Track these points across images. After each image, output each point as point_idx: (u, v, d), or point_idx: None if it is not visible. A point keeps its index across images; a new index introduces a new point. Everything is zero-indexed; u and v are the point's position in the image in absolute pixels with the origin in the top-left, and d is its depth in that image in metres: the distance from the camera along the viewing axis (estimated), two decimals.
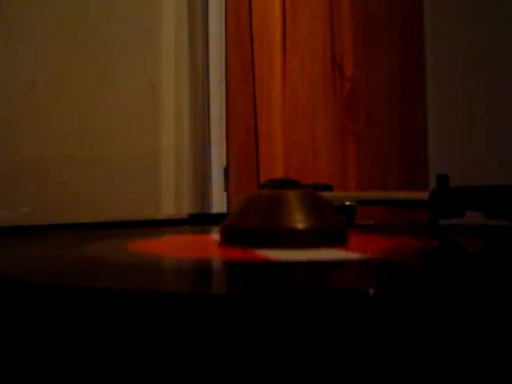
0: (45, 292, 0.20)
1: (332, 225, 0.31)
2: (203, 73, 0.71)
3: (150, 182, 0.67)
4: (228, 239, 0.32)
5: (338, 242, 0.31)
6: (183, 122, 0.69)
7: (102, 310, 0.19)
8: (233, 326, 0.17)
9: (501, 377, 0.18)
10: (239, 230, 0.31)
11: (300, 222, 0.30)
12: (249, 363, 0.17)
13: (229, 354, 0.17)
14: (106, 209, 0.62)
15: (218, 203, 0.70)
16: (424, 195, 0.44)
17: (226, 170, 0.71)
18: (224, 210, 0.70)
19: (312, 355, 0.17)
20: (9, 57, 0.59)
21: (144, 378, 0.18)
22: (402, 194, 0.49)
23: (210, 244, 0.34)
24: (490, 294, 0.19)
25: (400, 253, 0.31)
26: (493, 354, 0.18)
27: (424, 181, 0.83)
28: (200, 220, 0.58)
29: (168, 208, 0.67)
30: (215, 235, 0.33)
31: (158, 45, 0.68)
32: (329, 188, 0.51)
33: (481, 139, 0.80)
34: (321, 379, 0.17)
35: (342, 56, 0.78)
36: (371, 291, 0.18)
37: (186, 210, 0.68)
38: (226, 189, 0.71)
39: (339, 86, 0.78)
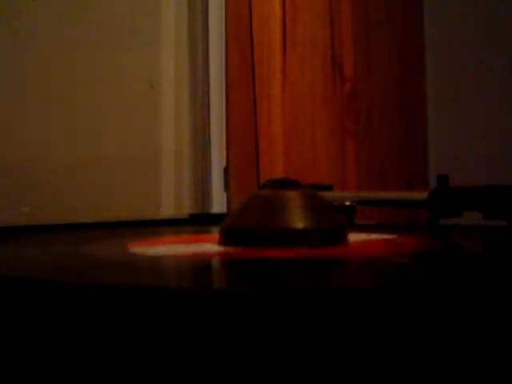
0: (46, 289, 0.20)
1: (332, 225, 0.31)
2: (203, 72, 0.71)
3: (149, 182, 0.67)
4: (228, 239, 0.32)
5: (339, 241, 0.31)
6: (183, 122, 0.69)
7: (102, 307, 0.19)
8: (233, 322, 0.17)
9: (500, 376, 0.18)
10: (239, 230, 0.31)
11: (300, 222, 0.30)
12: (248, 358, 0.17)
13: (229, 349, 0.17)
14: (106, 209, 0.62)
15: (218, 203, 0.70)
16: (424, 195, 0.44)
17: (226, 170, 0.71)
18: (224, 210, 0.70)
19: (311, 352, 0.17)
20: (8, 57, 0.59)
21: (146, 372, 0.18)
22: (402, 194, 0.49)
23: (210, 244, 0.34)
24: (490, 293, 0.19)
25: (400, 252, 0.31)
26: (493, 353, 0.18)
27: (424, 181, 0.83)
28: (200, 220, 0.58)
29: (168, 208, 0.67)
30: (215, 235, 0.33)
31: (157, 44, 0.68)
32: (329, 188, 0.51)
33: (481, 139, 0.80)
34: (320, 376, 0.17)
35: (341, 56, 0.78)
36: (370, 289, 0.18)
37: (186, 209, 0.68)
38: (226, 189, 0.71)
39: (339, 86, 0.78)
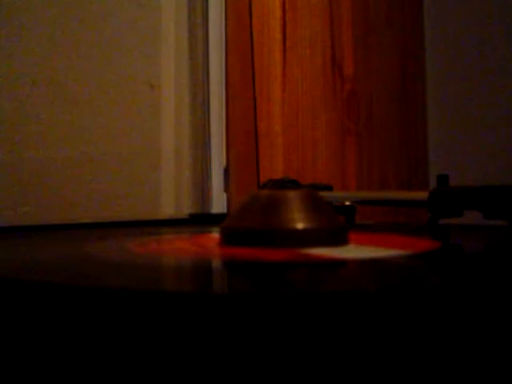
0: (45, 290, 0.20)
1: (332, 225, 0.31)
2: (203, 73, 0.71)
3: (149, 182, 0.67)
4: (228, 239, 0.32)
5: (338, 242, 0.31)
6: (183, 122, 0.69)
7: (102, 309, 0.19)
8: (233, 324, 0.17)
9: (501, 376, 0.18)
10: (239, 230, 0.31)
11: (300, 222, 0.30)
12: (249, 362, 0.17)
13: (229, 353, 0.17)
14: (105, 209, 0.62)
15: (218, 203, 0.70)
16: (424, 195, 0.44)
17: (226, 170, 0.71)
18: (224, 210, 0.70)
19: (312, 354, 0.17)
20: (9, 56, 0.59)
21: (145, 377, 0.18)
22: (402, 194, 0.49)
23: (211, 244, 0.34)
24: (490, 293, 0.19)
25: (400, 252, 0.31)
26: (493, 354, 0.18)
27: (424, 181, 0.83)
28: (200, 220, 0.58)
29: (168, 208, 0.67)
30: (215, 235, 0.33)
31: (157, 44, 0.68)
32: (329, 188, 0.51)
33: (481, 139, 0.80)
34: (323, 379, 0.17)
35: (341, 56, 0.78)
36: (372, 290, 0.18)
37: (186, 209, 0.68)
38: (226, 189, 0.71)
39: (339, 86, 0.78)
